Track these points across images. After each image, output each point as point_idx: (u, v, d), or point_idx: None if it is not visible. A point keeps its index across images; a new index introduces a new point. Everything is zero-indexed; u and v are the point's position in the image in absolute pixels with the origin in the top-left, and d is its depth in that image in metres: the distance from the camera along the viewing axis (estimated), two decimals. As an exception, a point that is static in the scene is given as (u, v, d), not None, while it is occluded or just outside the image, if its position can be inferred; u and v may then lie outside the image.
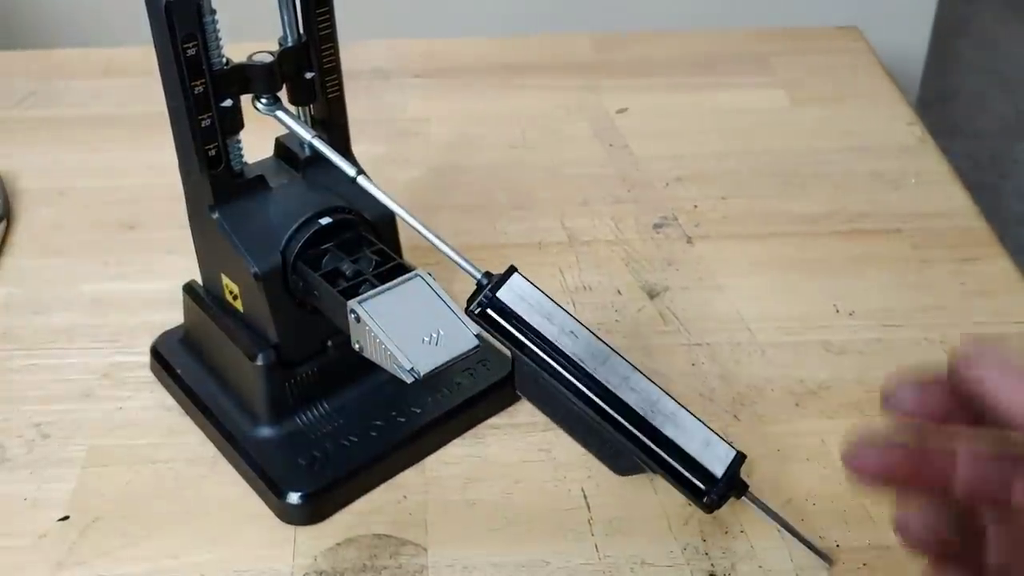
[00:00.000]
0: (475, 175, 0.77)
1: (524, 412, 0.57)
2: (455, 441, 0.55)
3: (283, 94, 0.51)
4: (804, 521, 0.50)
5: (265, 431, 0.53)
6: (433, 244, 0.48)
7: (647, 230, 0.71)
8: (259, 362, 0.52)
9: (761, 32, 0.95)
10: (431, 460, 0.54)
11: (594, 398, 0.45)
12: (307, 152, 0.53)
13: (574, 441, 0.48)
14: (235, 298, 0.53)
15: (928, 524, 0.41)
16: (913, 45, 1.12)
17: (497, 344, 0.47)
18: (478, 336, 0.47)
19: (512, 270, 0.47)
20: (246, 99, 0.50)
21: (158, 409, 0.57)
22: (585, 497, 0.52)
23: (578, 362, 0.46)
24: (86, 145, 0.80)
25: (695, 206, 0.73)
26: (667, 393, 0.46)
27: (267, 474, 0.52)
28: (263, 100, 0.50)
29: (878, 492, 0.35)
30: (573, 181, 0.76)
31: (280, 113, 0.51)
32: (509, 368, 0.47)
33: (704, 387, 0.58)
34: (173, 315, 0.59)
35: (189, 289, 0.57)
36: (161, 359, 0.58)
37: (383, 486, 0.53)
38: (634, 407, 0.45)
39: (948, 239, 0.70)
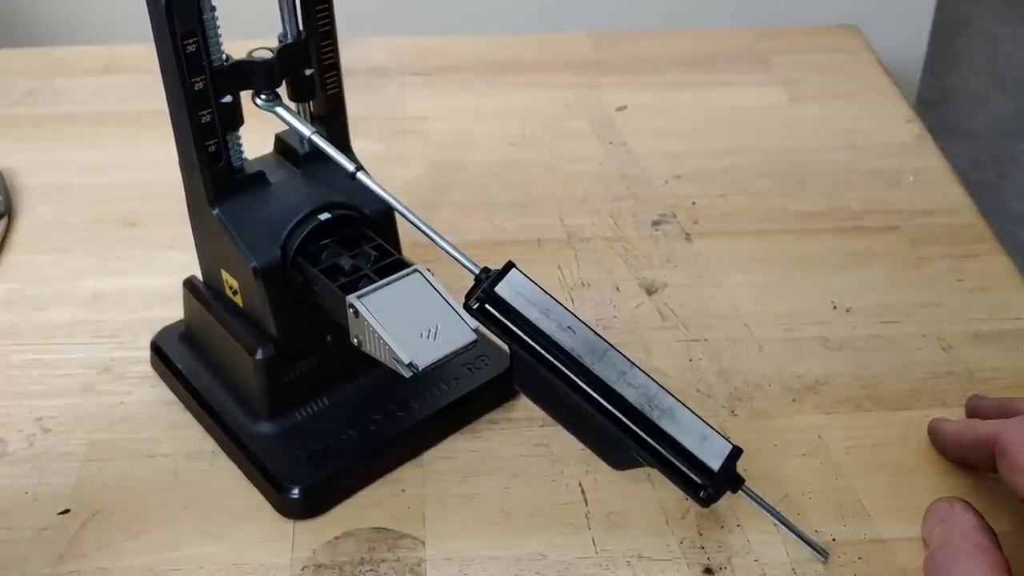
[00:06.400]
0: (474, 172, 0.77)
1: (522, 407, 0.57)
2: (453, 436, 0.55)
3: (283, 90, 0.51)
4: (800, 515, 0.51)
5: (264, 426, 0.53)
6: (432, 240, 0.48)
7: (646, 227, 0.71)
8: (258, 356, 0.52)
9: (760, 30, 0.95)
10: (429, 454, 0.54)
11: (592, 393, 0.46)
12: (306, 148, 0.53)
13: (571, 436, 0.48)
14: (235, 293, 0.53)
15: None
16: (913, 44, 1.12)
17: (495, 340, 0.48)
18: (476, 331, 0.47)
19: (510, 266, 0.47)
20: (246, 95, 0.50)
21: (158, 404, 0.57)
22: (583, 491, 0.52)
23: (576, 357, 0.46)
24: (87, 142, 0.80)
25: (694, 203, 0.73)
26: (664, 388, 0.47)
27: (266, 468, 0.52)
28: (263, 96, 0.50)
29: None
30: (572, 178, 0.76)
31: (280, 109, 0.51)
32: (507, 363, 0.47)
33: (701, 383, 0.59)
34: (173, 311, 0.59)
35: (189, 285, 0.57)
36: (161, 354, 0.58)
37: (381, 480, 0.53)
38: (631, 402, 0.46)
39: (946, 236, 0.70)
